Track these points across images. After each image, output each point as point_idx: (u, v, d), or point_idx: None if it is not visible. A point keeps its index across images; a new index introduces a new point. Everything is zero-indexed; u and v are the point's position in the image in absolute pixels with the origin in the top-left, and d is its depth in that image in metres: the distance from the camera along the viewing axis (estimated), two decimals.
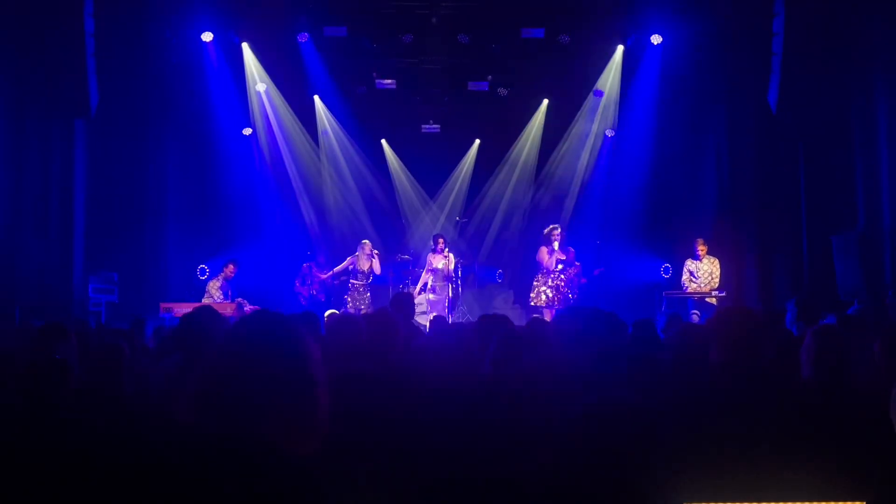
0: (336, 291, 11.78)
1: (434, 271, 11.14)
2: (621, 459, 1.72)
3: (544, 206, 12.71)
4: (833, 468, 2.12)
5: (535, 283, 10.55)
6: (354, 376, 3.18)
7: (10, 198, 8.75)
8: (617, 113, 12.22)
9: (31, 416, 2.69)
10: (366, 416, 2.75)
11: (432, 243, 11.28)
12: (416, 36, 11.24)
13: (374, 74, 11.91)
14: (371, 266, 11.10)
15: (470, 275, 12.73)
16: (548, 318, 9.47)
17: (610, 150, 12.54)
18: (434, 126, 12.71)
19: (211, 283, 10.83)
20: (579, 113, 12.48)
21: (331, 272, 11.52)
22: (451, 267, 11.12)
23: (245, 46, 11.64)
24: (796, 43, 9.26)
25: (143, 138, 11.10)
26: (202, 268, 11.66)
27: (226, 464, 1.45)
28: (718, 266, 10.24)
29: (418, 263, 11.95)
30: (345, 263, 11.28)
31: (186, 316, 3.66)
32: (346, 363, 3.42)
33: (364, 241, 11.37)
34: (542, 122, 12.71)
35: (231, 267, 10.81)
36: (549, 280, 10.41)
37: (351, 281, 11.26)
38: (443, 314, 10.10)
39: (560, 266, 10.39)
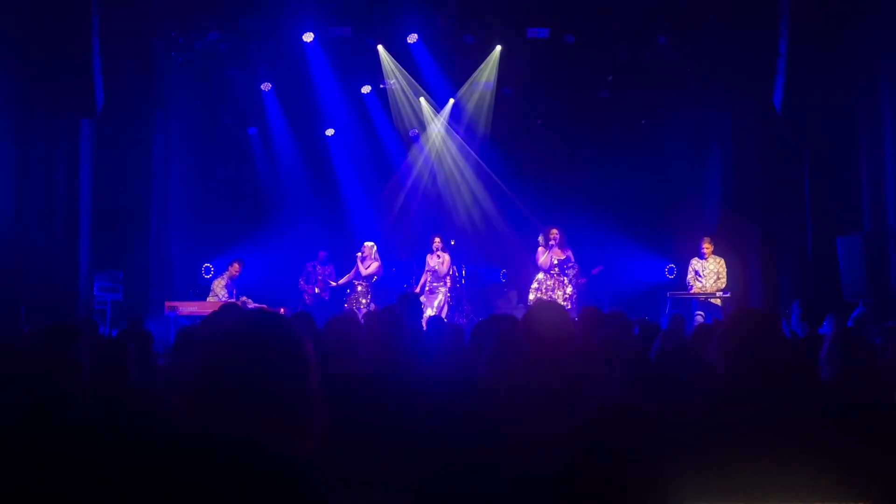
0: (340, 290, 11.79)
1: (431, 271, 11.18)
2: (624, 461, 1.72)
3: (547, 206, 12.73)
4: (840, 469, 2.12)
5: (533, 285, 10.60)
6: (351, 376, 3.19)
7: (15, 197, 8.75)
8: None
9: (43, 415, 2.72)
10: (361, 415, 2.76)
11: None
12: None
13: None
14: (372, 268, 11.12)
15: (474, 274, 12.75)
16: None
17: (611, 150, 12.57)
18: None
19: (216, 282, 10.85)
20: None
21: (342, 280, 11.56)
22: (445, 267, 11.14)
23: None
24: (802, 45, 9.24)
25: (148, 137, 11.12)
26: (207, 266, 11.69)
27: (221, 464, 1.45)
28: (724, 266, 10.16)
29: (421, 265, 11.99)
30: (353, 271, 11.31)
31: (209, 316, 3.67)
32: (343, 363, 3.43)
33: (366, 243, 11.38)
34: None
35: (236, 266, 10.83)
36: (548, 280, 10.43)
37: (353, 281, 11.27)
38: (437, 314, 10.16)
39: (557, 268, 10.42)
